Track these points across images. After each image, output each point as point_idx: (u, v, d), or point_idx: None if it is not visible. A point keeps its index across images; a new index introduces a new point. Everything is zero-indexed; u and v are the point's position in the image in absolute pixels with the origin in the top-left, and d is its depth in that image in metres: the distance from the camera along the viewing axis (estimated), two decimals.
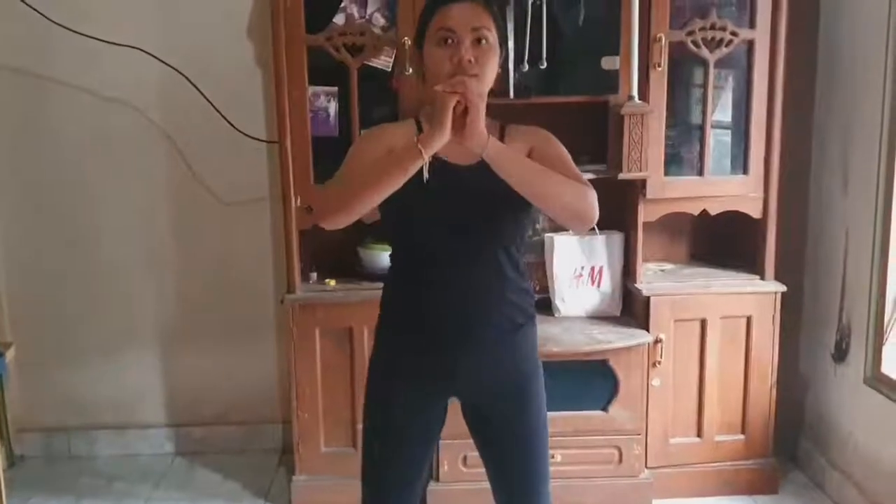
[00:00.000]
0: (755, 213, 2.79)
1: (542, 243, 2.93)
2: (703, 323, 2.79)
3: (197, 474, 3.14)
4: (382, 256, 2.74)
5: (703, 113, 2.73)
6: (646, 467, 2.83)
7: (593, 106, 2.74)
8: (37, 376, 3.22)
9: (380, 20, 2.69)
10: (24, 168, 3.11)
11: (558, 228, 2.87)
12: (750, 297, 2.80)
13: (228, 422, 3.28)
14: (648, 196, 2.73)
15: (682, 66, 2.76)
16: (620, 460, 2.80)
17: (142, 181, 3.12)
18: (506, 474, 1.84)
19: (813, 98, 2.98)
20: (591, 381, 2.75)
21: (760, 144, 2.73)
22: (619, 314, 2.91)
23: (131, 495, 2.99)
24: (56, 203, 3.13)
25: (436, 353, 1.74)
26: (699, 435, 2.86)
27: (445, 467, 2.77)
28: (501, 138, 1.71)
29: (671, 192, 2.75)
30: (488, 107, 1.63)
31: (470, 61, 1.59)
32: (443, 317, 1.72)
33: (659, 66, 2.64)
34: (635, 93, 2.62)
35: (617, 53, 2.63)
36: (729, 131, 2.80)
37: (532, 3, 2.58)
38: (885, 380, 2.59)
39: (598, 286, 2.91)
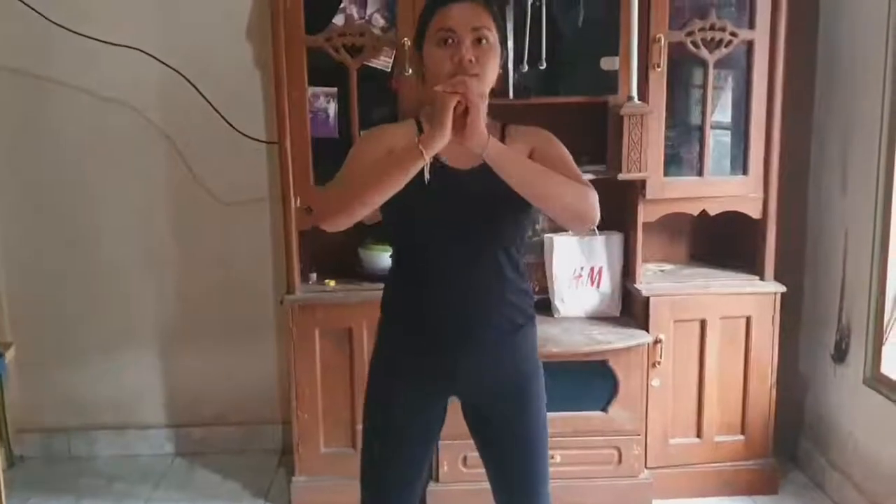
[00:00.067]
0: (755, 213, 2.79)
1: (541, 244, 2.93)
2: (703, 323, 2.79)
3: (197, 475, 3.14)
4: (382, 257, 2.74)
5: (703, 113, 2.73)
6: (645, 468, 2.83)
7: (593, 106, 2.74)
8: (36, 376, 3.22)
9: (379, 21, 2.69)
10: (24, 168, 3.11)
11: (558, 229, 2.87)
12: (749, 297, 2.80)
13: (228, 422, 3.28)
14: (648, 196, 2.73)
15: (682, 66, 2.76)
16: (620, 461, 2.80)
17: (141, 181, 3.13)
18: (505, 475, 1.84)
19: (812, 98, 2.98)
20: (591, 381, 2.75)
21: (760, 145, 2.74)
22: (618, 315, 2.91)
23: (131, 496, 2.99)
24: (56, 203, 3.13)
25: (436, 353, 1.74)
26: (699, 435, 2.86)
27: (445, 468, 2.77)
28: (502, 138, 1.71)
29: (671, 193, 2.75)
30: (489, 107, 1.64)
31: (470, 61, 1.59)
32: (443, 317, 1.72)
33: (658, 66, 2.65)
34: (635, 93, 2.62)
35: (616, 54, 2.63)
36: (728, 132, 2.80)
37: (531, 4, 2.58)
38: (885, 380, 2.59)
39: (598, 287, 2.91)
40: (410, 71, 2.57)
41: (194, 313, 3.21)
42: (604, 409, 2.78)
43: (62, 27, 2.88)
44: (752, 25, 2.69)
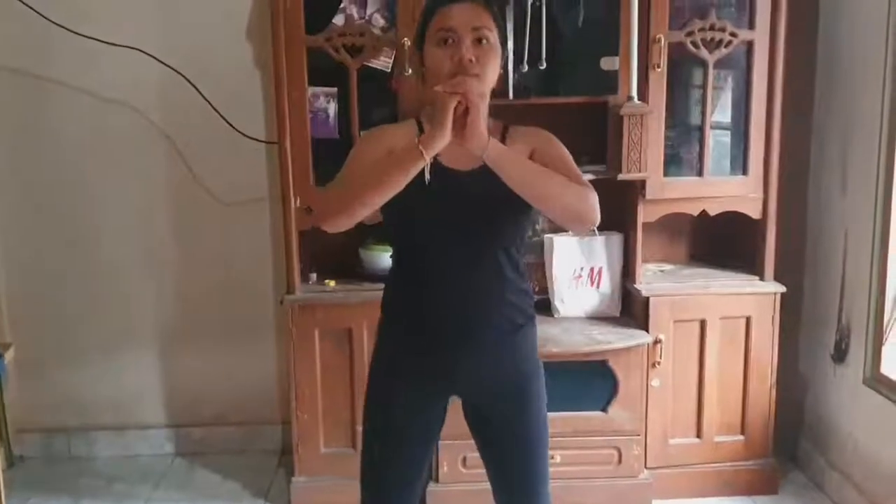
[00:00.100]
0: (754, 213, 2.79)
1: (541, 244, 2.93)
2: (703, 323, 2.79)
3: (196, 475, 3.14)
4: (383, 257, 2.74)
5: (703, 114, 2.73)
6: (645, 468, 2.83)
7: (593, 107, 2.74)
8: (36, 376, 3.22)
9: (379, 21, 2.69)
10: (24, 168, 3.11)
11: (558, 229, 2.87)
12: (749, 297, 2.80)
13: (228, 422, 3.28)
14: (648, 197, 2.73)
15: (682, 66, 2.76)
16: (620, 461, 2.80)
17: (141, 181, 3.13)
18: (505, 475, 1.84)
19: (812, 98, 2.98)
20: (591, 381, 2.75)
21: (760, 145, 2.74)
22: (618, 315, 2.91)
23: (131, 496, 2.99)
24: (56, 203, 3.13)
25: (436, 353, 1.74)
26: (699, 435, 2.86)
27: (445, 468, 2.77)
28: (504, 139, 1.71)
29: (670, 193, 2.75)
30: (490, 107, 1.64)
31: (471, 61, 1.59)
32: (443, 318, 1.72)
33: (658, 66, 2.65)
34: (634, 93, 2.62)
35: (616, 54, 2.63)
36: (728, 132, 2.80)
37: (531, 4, 2.58)
38: (885, 380, 2.59)
39: (598, 287, 2.92)
40: (410, 71, 2.57)
41: (194, 313, 3.21)
42: (604, 410, 2.78)
43: (62, 27, 2.88)
44: (751, 26, 2.69)
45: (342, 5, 2.68)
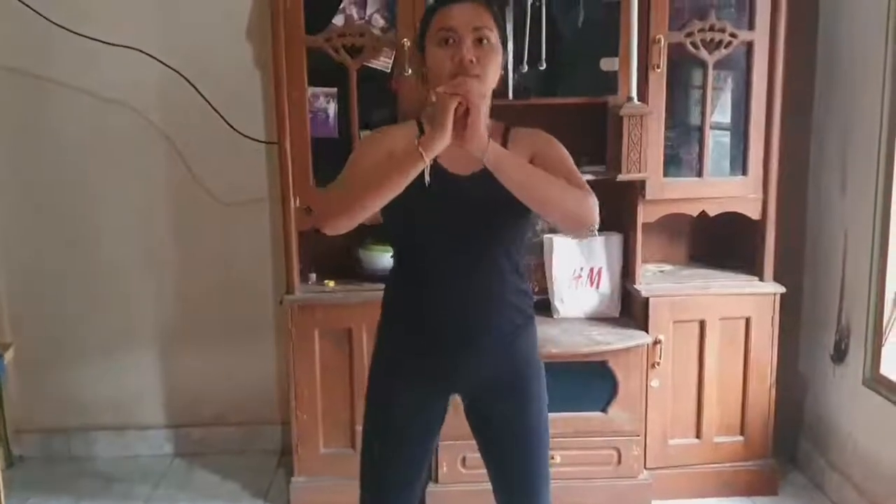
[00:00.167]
0: (754, 214, 2.79)
1: (541, 244, 2.92)
2: (702, 324, 2.79)
3: (196, 475, 3.14)
4: (382, 258, 2.74)
5: (702, 114, 2.73)
6: (645, 468, 2.83)
7: (592, 107, 2.74)
8: (36, 376, 3.22)
9: (379, 21, 2.70)
10: (24, 168, 3.11)
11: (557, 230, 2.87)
12: (749, 298, 2.80)
13: (227, 423, 3.28)
14: (647, 197, 2.73)
15: (681, 67, 2.76)
16: (619, 461, 2.80)
17: (141, 182, 3.13)
18: (506, 475, 1.84)
19: (812, 99, 2.99)
20: (590, 382, 2.75)
21: (759, 145, 2.74)
22: (618, 315, 2.91)
23: (130, 496, 2.99)
24: (56, 203, 3.13)
25: (436, 354, 1.75)
26: (698, 436, 2.86)
27: (444, 468, 2.77)
28: (505, 140, 1.71)
29: (670, 194, 2.75)
30: (491, 108, 1.63)
31: (471, 61, 1.59)
32: (443, 318, 1.72)
33: (658, 67, 2.65)
34: (634, 94, 2.62)
35: (616, 55, 2.63)
36: (728, 132, 2.81)
37: (531, 4, 2.58)
38: (884, 381, 2.59)
39: (597, 287, 2.92)
40: (410, 71, 2.57)
41: (194, 313, 3.21)
42: (603, 410, 2.78)
43: (62, 27, 2.88)
44: (751, 26, 2.69)
45: (342, 5, 2.68)
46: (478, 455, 1.87)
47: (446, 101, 1.50)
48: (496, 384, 1.77)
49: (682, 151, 2.81)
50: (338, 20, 2.68)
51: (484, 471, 1.86)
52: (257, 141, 3.06)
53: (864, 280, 2.66)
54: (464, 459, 2.74)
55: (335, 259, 2.88)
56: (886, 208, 2.56)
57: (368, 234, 2.66)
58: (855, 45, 2.73)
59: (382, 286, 1.85)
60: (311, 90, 2.68)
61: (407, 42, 2.56)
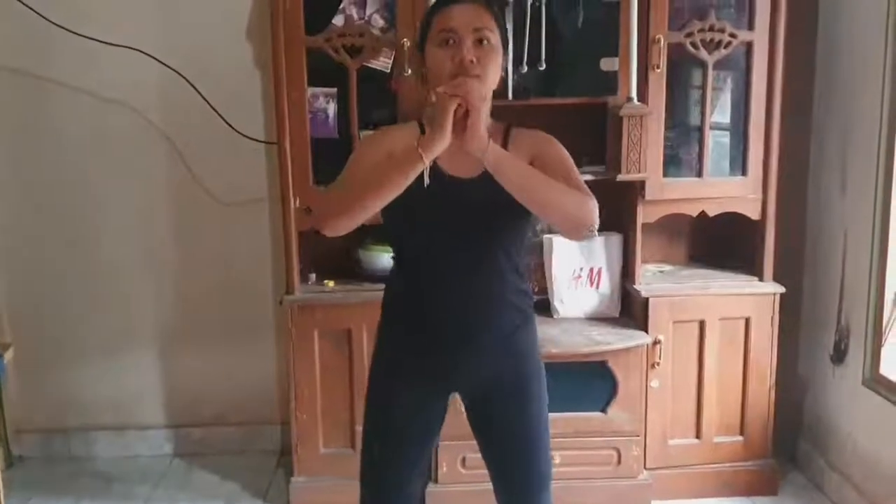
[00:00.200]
0: (754, 214, 2.79)
1: (541, 245, 2.93)
2: (702, 324, 2.79)
3: (196, 475, 3.14)
4: (382, 258, 2.74)
5: (702, 114, 2.73)
6: (644, 468, 2.83)
7: (592, 107, 2.74)
8: (36, 377, 3.22)
9: (379, 21, 2.70)
10: (24, 168, 3.11)
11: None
12: (749, 298, 2.80)
13: (227, 423, 3.28)
14: (647, 197, 2.73)
15: (681, 67, 2.76)
16: (619, 461, 2.80)
17: (141, 182, 3.13)
18: (506, 475, 1.84)
19: (812, 99, 2.99)
20: (590, 382, 2.75)
21: (759, 146, 2.74)
22: (617, 315, 2.91)
23: (130, 496, 2.99)
24: (56, 203, 3.13)
25: (436, 354, 1.75)
26: (698, 436, 2.86)
27: (444, 469, 2.77)
28: (506, 140, 1.71)
29: (670, 194, 2.75)
30: (492, 108, 1.63)
31: (471, 61, 1.58)
32: (443, 319, 1.72)
33: (658, 67, 2.65)
34: (634, 94, 2.62)
35: (616, 55, 2.63)
36: (728, 133, 2.81)
37: (531, 5, 2.58)
38: (884, 381, 2.59)
39: (597, 287, 2.92)
40: (410, 71, 2.57)
41: (194, 313, 3.21)
42: (603, 410, 2.78)
43: (62, 27, 2.88)
44: (751, 26, 2.69)
45: (342, 6, 2.68)
46: (478, 455, 1.87)
47: (446, 102, 1.50)
48: (496, 384, 1.78)
49: (682, 151, 2.81)
50: (338, 20, 2.68)
51: (484, 471, 1.87)
52: (257, 141, 3.06)
53: (863, 280, 2.66)
54: (464, 459, 2.74)
55: (335, 259, 2.88)
56: (886, 208, 2.56)
57: (368, 234, 2.66)
58: (855, 45, 2.73)
59: (382, 286, 1.85)
60: (310, 90, 2.68)
61: (407, 42, 2.56)
